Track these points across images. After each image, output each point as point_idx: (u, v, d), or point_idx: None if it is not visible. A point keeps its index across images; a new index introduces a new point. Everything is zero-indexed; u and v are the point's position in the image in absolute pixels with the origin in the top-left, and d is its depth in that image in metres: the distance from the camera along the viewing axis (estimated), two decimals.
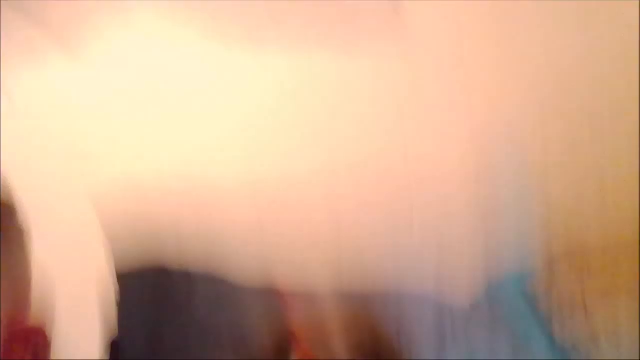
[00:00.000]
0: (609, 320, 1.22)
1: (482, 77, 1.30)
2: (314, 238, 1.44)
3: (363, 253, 1.48)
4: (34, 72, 1.17)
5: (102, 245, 1.17)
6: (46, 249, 1.03)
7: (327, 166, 1.49)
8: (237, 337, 1.07)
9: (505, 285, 1.37)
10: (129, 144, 1.22)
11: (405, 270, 1.47)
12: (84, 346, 0.92)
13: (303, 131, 1.38)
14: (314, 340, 1.11)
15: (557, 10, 1.31)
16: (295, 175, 1.43)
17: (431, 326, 1.20)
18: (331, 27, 1.27)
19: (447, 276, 1.47)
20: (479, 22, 1.29)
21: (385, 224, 1.50)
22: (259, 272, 1.35)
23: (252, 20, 1.25)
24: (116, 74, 1.20)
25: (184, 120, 1.28)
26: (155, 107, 1.23)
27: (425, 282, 1.45)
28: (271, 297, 1.22)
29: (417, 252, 1.49)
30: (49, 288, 0.88)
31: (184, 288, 1.12)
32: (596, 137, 1.46)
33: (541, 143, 1.37)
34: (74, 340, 0.98)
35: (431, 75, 1.32)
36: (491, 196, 1.52)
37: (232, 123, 1.32)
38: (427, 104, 1.31)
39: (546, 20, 1.29)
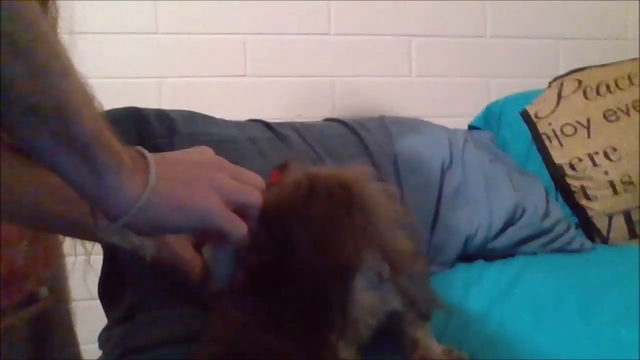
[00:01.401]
0: (610, 138, 1.19)
1: None
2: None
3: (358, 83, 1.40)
4: None
5: None
6: None
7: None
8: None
9: (505, 106, 1.31)
10: None
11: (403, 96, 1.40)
12: None
13: None
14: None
15: None
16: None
17: (429, 147, 1.16)
18: None
19: (447, 98, 1.42)
20: None
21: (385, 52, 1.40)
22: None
23: None
24: None
25: None
26: None
27: (423, 105, 1.39)
28: (260, 128, 1.14)
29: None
30: None
31: (163, 128, 1.02)
32: None
33: None
34: None
35: None
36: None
37: None
38: None
39: None
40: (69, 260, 1.26)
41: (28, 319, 1.07)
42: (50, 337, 1.04)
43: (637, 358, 0.63)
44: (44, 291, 1.15)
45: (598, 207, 1.15)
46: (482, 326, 0.77)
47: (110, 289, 0.96)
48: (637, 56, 1.32)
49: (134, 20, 1.28)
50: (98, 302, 1.01)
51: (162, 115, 1.05)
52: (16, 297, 1.05)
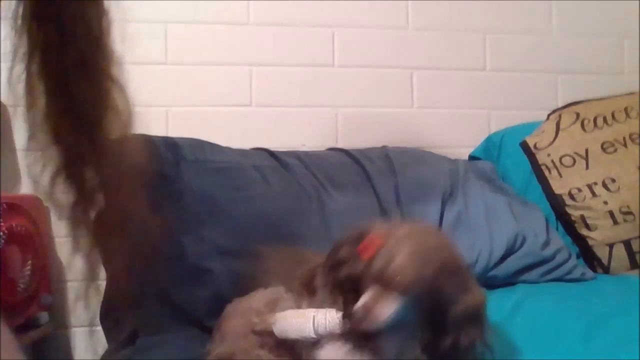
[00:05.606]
0: (608, 170, 1.20)
1: None
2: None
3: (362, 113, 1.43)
4: None
5: None
6: None
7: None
8: (237, 200, 1.02)
9: (505, 137, 1.33)
10: None
11: (405, 126, 1.43)
12: None
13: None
14: None
15: None
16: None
17: (431, 176, 1.17)
18: None
19: (448, 129, 1.44)
20: None
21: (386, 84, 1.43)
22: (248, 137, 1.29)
23: None
24: None
25: None
26: None
27: (425, 135, 1.41)
28: (265, 156, 1.16)
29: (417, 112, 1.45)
30: None
31: (170, 155, 1.05)
32: None
33: None
34: None
35: None
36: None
37: None
38: None
39: None
40: (71, 286, 1.27)
41: (28, 343, 1.07)
42: None
43: None
44: (44, 316, 1.16)
45: (598, 236, 1.16)
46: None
47: (112, 313, 0.96)
48: (633, 90, 1.35)
49: (145, 51, 1.32)
50: (99, 328, 1.01)
51: (170, 143, 1.07)
52: (17, 322, 1.05)
